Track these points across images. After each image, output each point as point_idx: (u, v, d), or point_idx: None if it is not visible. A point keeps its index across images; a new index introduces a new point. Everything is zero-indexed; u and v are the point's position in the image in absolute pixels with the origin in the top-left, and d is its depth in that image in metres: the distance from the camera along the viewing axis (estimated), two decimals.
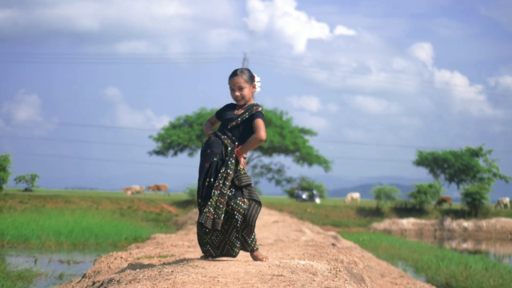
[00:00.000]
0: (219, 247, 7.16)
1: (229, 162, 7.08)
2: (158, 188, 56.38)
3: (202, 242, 7.20)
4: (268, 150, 61.73)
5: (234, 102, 7.36)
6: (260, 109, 7.22)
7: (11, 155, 46.14)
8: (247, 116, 7.18)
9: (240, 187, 7.11)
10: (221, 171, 7.06)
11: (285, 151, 62.44)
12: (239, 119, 7.17)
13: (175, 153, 62.60)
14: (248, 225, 7.14)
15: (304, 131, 63.72)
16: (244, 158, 7.22)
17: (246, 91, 7.23)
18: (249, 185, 7.19)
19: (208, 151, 7.16)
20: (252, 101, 7.32)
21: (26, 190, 49.92)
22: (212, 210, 6.97)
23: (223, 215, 7.01)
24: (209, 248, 7.17)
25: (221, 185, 7.03)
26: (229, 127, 7.18)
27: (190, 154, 62.63)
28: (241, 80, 7.22)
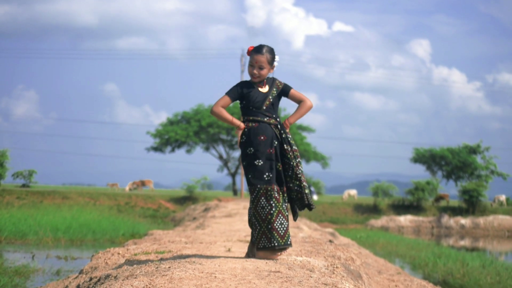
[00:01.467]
0: (285, 235, 6.90)
1: (289, 139, 7.03)
2: (143, 183, 56.14)
3: (287, 230, 6.88)
4: None
5: (247, 79, 7.20)
6: (282, 81, 7.18)
7: (8, 150, 46.07)
8: (276, 93, 7.10)
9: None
10: (288, 149, 6.97)
11: None
12: (270, 98, 7.06)
13: (173, 150, 62.56)
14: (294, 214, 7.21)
15: (302, 127, 63.67)
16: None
17: (265, 72, 7.05)
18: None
19: (262, 137, 6.93)
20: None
21: (23, 186, 49.88)
22: (305, 191, 6.94)
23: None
24: (277, 237, 6.83)
25: (298, 163, 7.00)
26: (264, 107, 7.03)
27: (188, 151, 62.60)
28: (264, 59, 7.02)
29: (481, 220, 45.73)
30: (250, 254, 7.11)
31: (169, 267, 6.09)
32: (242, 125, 7.02)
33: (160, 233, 15.88)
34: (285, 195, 6.95)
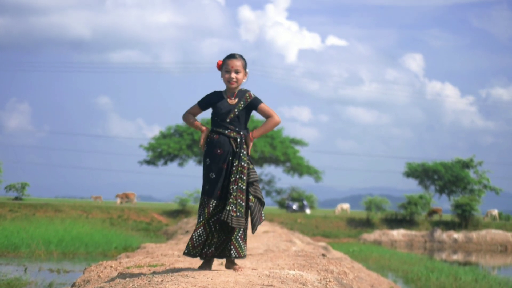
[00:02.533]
0: (219, 248, 7.05)
1: (241, 154, 7.02)
2: (126, 196, 55.95)
3: (204, 244, 7.01)
4: (259, 160, 61.66)
5: (217, 90, 7.25)
6: (252, 94, 7.20)
7: (1, 163, 46.15)
8: (243, 105, 7.13)
9: (247, 182, 7.08)
10: (235, 164, 6.98)
11: (276, 161, 62.46)
12: (236, 110, 7.09)
13: (165, 163, 62.59)
14: (252, 226, 7.14)
15: (295, 141, 63.74)
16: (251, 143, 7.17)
17: (241, 76, 7.13)
18: (256, 181, 7.16)
19: (219, 151, 7.01)
20: (239, 87, 7.24)
21: (16, 198, 49.82)
22: (234, 208, 6.89)
23: (243, 211, 6.97)
24: (211, 250, 7.02)
25: (238, 179, 6.97)
26: (228, 120, 7.08)
27: (180, 164, 62.63)
28: (239, 63, 7.13)
29: (474, 235, 45.74)
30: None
31: (162, 281, 6.09)
32: (203, 127, 7.13)
33: (152, 246, 15.85)
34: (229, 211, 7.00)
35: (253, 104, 7.15)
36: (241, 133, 7.08)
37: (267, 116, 7.18)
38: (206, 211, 6.98)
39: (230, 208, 6.88)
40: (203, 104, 7.22)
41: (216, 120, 7.12)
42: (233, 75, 7.09)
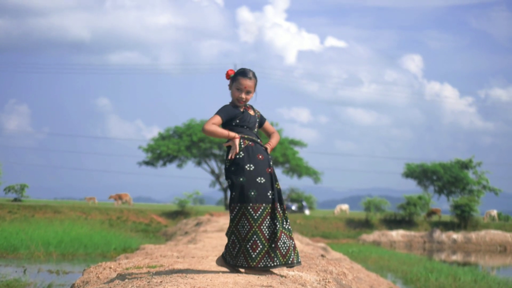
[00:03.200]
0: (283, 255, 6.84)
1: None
2: (120, 197, 55.91)
3: (259, 252, 6.75)
4: None
5: (235, 102, 7.11)
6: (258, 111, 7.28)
7: (0, 164, 46.10)
8: (258, 119, 7.20)
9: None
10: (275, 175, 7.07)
11: (275, 162, 62.40)
12: (257, 121, 7.14)
13: (164, 164, 62.57)
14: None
15: (294, 142, 63.76)
16: None
17: (250, 97, 7.08)
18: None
19: (260, 156, 6.92)
20: None
21: (15, 200, 49.81)
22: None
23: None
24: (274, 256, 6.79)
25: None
26: (255, 130, 7.10)
27: (179, 165, 62.62)
28: (252, 84, 7.05)
29: (473, 235, 45.73)
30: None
31: (161, 282, 6.09)
32: (237, 135, 6.93)
33: (152, 247, 15.86)
34: (286, 213, 6.99)
35: (262, 120, 7.24)
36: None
37: (270, 132, 7.28)
38: (277, 216, 6.85)
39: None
40: (225, 114, 7.00)
41: (245, 128, 7.03)
42: (243, 95, 7.02)
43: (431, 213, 53.96)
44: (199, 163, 62.82)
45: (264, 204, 6.78)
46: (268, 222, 6.78)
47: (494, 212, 55.66)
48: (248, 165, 6.87)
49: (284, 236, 6.81)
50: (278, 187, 6.96)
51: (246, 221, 6.79)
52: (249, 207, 6.78)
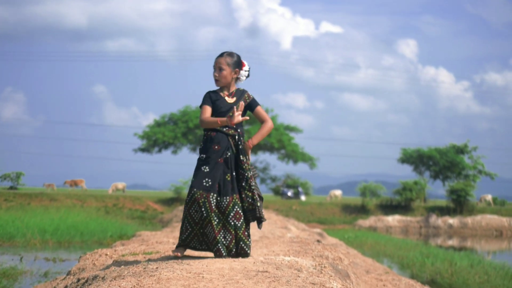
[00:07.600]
0: (229, 245, 6.99)
1: (244, 151, 7.11)
2: (75, 183, 55.76)
3: (212, 242, 6.95)
4: (253, 148, 61.49)
5: (210, 90, 7.25)
6: (251, 95, 7.24)
7: None
8: (246, 104, 7.18)
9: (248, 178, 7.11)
10: (244, 160, 7.06)
11: (270, 149, 62.37)
12: (235, 107, 7.06)
13: (160, 151, 62.50)
14: (258, 221, 7.19)
15: (290, 128, 63.65)
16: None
17: (225, 74, 7.12)
18: (256, 177, 7.24)
19: (216, 147, 7.01)
20: (235, 87, 7.27)
21: (11, 188, 49.79)
22: (257, 203, 7.03)
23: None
24: (220, 247, 6.95)
25: (252, 176, 7.07)
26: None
27: (174, 152, 62.55)
28: (223, 61, 7.13)
29: (469, 220, 45.86)
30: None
31: (157, 268, 6.09)
32: (223, 118, 7.00)
33: (148, 234, 15.86)
34: (238, 202, 7.01)
35: (251, 105, 7.20)
36: (239, 130, 7.11)
37: (262, 119, 7.22)
38: (207, 206, 6.93)
39: (259, 204, 7.06)
40: (208, 102, 7.13)
41: (214, 117, 7.10)
42: (216, 72, 7.15)
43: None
44: (194, 150, 62.76)
45: (200, 191, 6.92)
46: (196, 207, 6.96)
47: (489, 197, 55.78)
48: (202, 155, 7.09)
49: (213, 228, 6.95)
50: (229, 178, 7.00)
51: (185, 204, 7.11)
52: (189, 191, 7.04)
